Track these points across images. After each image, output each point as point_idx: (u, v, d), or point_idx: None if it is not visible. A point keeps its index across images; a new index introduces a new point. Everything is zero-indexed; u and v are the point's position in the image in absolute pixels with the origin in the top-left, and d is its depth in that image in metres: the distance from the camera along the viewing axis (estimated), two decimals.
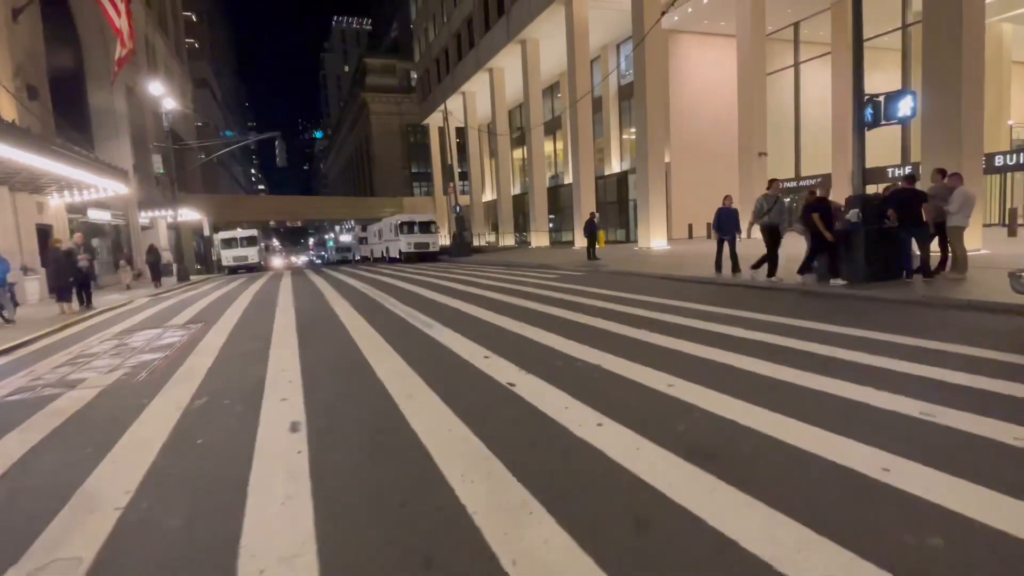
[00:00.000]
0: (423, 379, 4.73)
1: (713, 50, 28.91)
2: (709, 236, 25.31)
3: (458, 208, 31.23)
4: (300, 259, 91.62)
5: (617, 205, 31.69)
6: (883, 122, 8.21)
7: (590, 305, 8.39)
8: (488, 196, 47.84)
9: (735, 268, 10.55)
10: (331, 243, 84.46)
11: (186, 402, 4.54)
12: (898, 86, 25.13)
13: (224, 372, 5.60)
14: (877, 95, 8.24)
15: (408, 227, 28.90)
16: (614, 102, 32.70)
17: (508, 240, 38.67)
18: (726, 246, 10.80)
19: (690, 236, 28.54)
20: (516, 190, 42.07)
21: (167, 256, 30.20)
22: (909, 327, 5.62)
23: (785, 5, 25.49)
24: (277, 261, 64.21)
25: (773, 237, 9.42)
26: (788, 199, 31.77)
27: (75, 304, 12.51)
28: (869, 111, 8.22)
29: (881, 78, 27.12)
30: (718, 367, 4.56)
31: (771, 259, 9.50)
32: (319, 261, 71.75)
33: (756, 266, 9.93)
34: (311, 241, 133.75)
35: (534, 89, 30.73)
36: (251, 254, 31.35)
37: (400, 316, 8.51)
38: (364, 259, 42.04)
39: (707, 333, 5.89)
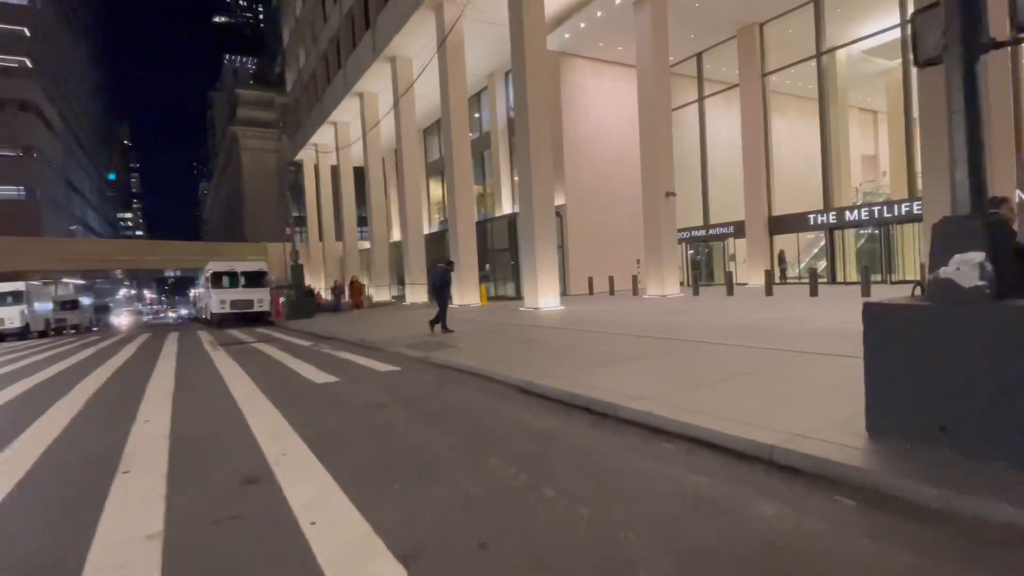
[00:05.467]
0: None
1: (611, 80, 25.33)
2: (689, 283, 17.70)
3: (295, 256, 24.48)
4: (179, 312, 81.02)
5: (509, 253, 26.56)
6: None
7: None
8: (366, 244, 41.56)
9: None
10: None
11: None
12: (810, 131, 21.91)
13: None
14: None
15: (227, 278, 21.30)
16: (503, 137, 28.23)
17: (385, 295, 32.36)
18: None
19: (590, 291, 23.83)
20: (397, 236, 36.22)
21: None
22: None
23: (688, 30, 22.37)
24: (122, 319, 53.90)
25: None
26: (697, 251, 27.96)
27: None
28: None
29: (781, 124, 24.57)
30: None
31: None
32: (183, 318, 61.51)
33: None
34: (192, 293, 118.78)
35: (407, 115, 25.47)
36: (9, 315, 22.67)
37: None
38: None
39: None
